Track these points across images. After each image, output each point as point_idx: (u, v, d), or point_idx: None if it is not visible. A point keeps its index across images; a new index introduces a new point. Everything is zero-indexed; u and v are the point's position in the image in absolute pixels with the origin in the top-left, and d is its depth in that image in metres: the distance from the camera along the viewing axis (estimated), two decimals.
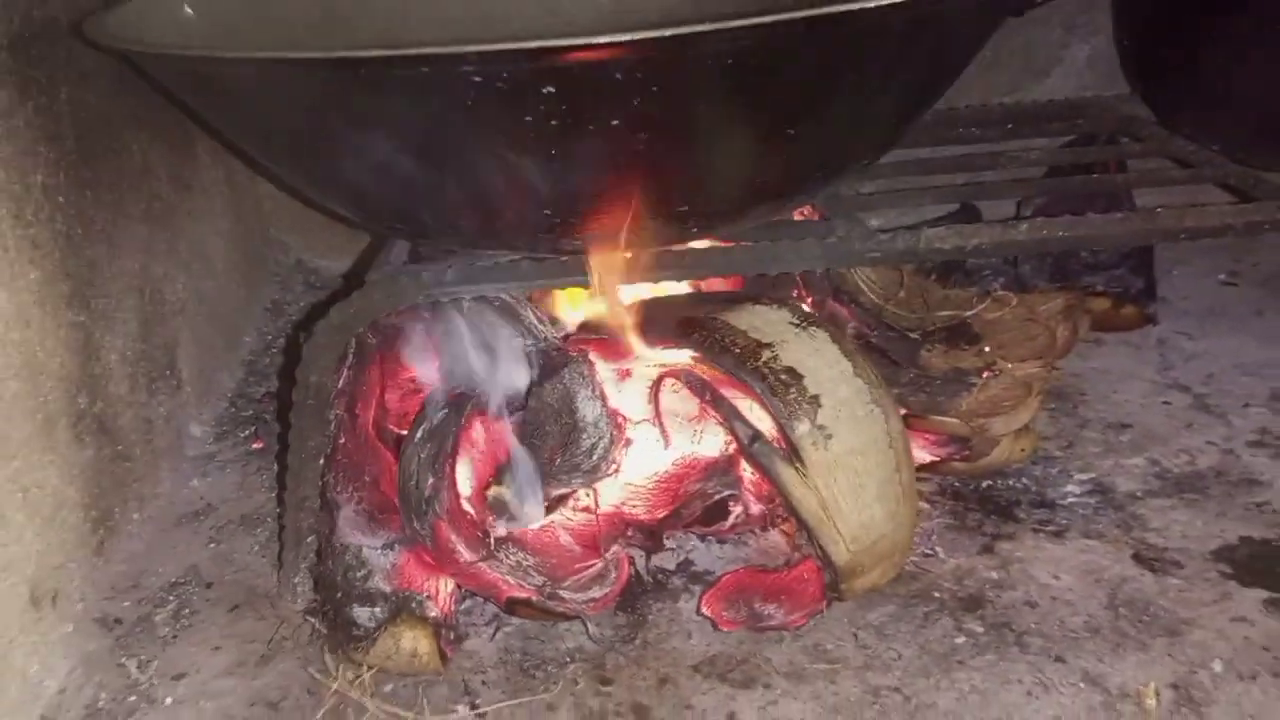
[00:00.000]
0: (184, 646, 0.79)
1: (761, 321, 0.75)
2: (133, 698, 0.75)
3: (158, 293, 0.96)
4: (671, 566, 0.83)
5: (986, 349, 0.88)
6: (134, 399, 0.90)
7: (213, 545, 0.90)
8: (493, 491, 0.71)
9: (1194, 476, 0.92)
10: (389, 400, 0.84)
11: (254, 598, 0.83)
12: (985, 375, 0.85)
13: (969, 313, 0.93)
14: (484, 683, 0.74)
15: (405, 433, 0.80)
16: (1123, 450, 0.95)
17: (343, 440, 0.80)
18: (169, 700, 0.75)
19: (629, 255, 0.71)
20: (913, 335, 0.92)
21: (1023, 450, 0.89)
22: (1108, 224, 0.77)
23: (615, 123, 0.58)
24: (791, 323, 0.75)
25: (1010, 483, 0.91)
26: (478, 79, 0.55)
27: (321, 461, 0.78)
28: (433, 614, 0.72)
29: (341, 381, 0.80)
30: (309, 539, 0.79)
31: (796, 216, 0.84)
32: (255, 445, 1.02)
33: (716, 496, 0.76)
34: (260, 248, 1.30)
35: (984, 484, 0.91)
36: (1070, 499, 0.89)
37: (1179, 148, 0.94)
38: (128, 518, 0.88)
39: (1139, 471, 0.92)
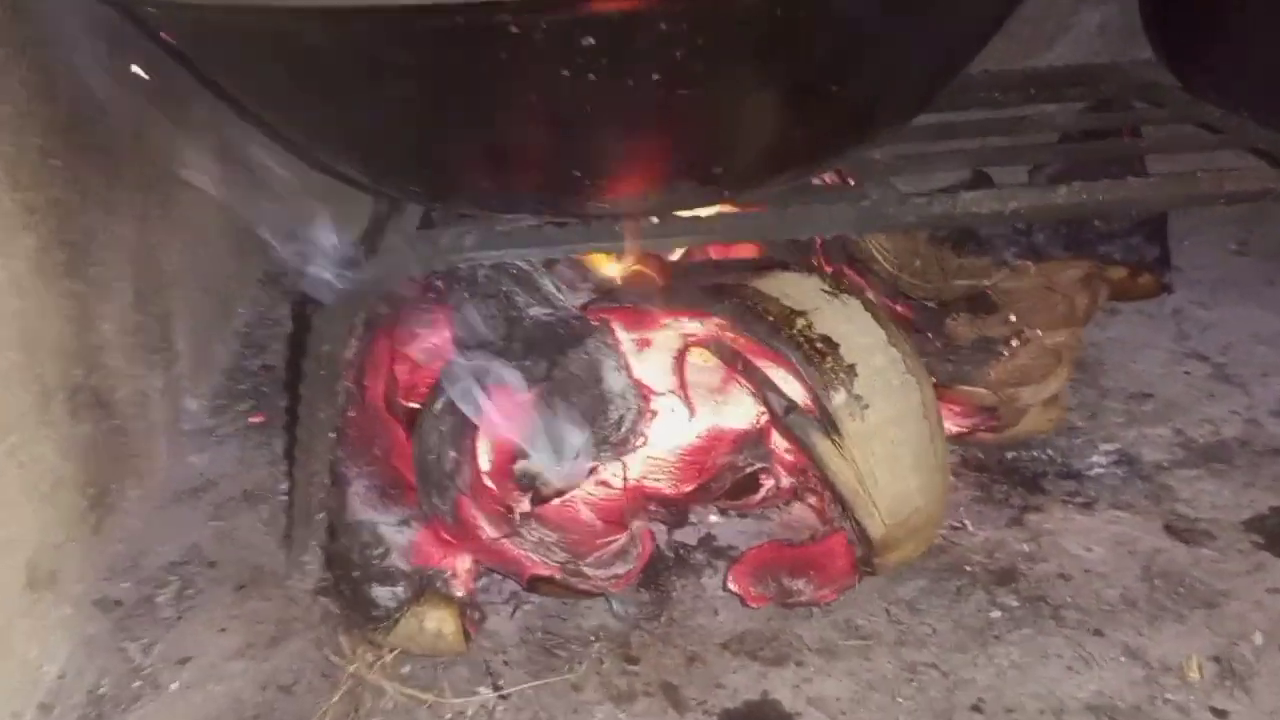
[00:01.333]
0: (188, 628, 0.76)
1: (793, 289, 0.72)
2: (137, 683, 0.72)
3: (153, 261, 0.92)
4: (693, 541, 0.81)
5: (1012, 318, 0.86)
6: (131, 371, 0.86)
7: (214, 523, 0.86)
8: (520, 465, 0.68)
9: (1219, 446, 0.90)
10: (398, 372, 0.81)
11: (260, 577, 0.80)
12: (1014, 344, 0.83)
13: (987, 282, 0.91)
14: (506, 663, 0.71)
15: (415, 406, 0.77)
16: (1146, 420, 0.94)
17: (351, 414, 0.77)
18: (174, 685, 0.71)
19: (658, 219, 0.69)
20: (930, 305, 0.90)
21: (1050, 420, 0.87)
22: (1146, 187, 0.75)
23: (655, 77, 0.55)
24: (823, 290, 0.72)
25: (1035, 454, 0.89)
26: (514, 30, 0.52)
27: (333, 435, 0.75)
28: (458, 593, 0.69)
29: (350, 353, 0.77)
30: (319, 515, 0.76)
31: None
32: (254, 419, 0.99)
33: (748, 470, 0.73)
34: None
35: (1009, 455, 0.89)
36: (1097, 470, 0.87)
37: (1205, 113, 0.92)
38: (125, 495, 0.84)
39: (1164, 441, 0.91)
